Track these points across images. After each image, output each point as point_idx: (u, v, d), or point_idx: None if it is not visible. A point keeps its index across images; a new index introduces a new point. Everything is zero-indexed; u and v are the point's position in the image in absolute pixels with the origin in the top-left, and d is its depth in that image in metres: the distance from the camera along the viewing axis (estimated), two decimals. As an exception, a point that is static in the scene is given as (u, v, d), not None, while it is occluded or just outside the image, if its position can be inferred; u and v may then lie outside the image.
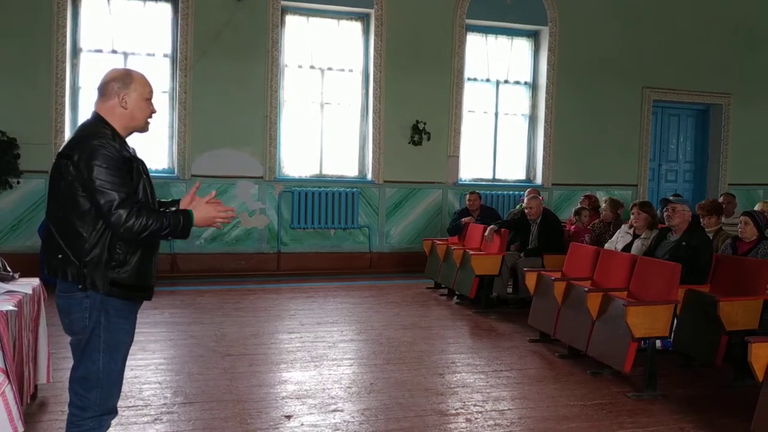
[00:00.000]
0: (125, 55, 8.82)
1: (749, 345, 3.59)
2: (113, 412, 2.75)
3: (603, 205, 7.65)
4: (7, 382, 2.94)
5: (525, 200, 7.77)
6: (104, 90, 2.68)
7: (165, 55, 8.96)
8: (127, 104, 2.67)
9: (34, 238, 7.98)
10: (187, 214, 2.65)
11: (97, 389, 2.65)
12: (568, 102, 10.45)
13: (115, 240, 2.57)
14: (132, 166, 2.61)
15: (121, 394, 2.89)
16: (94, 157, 2.50)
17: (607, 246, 6.53)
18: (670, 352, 5.23)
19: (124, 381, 2.89)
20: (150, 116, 2.77)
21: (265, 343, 5.73)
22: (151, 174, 2.78)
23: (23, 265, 4.91)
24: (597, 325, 5.02)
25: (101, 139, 2.56)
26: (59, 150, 2.63)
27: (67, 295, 2.61)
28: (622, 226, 6.77)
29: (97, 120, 2.66)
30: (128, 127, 2.72)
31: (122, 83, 2.67)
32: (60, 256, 2.57)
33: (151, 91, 2.75)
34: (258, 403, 4.26)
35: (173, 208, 2.81)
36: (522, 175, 10.72)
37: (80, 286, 2.56)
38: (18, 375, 3.48)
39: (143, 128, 2.77)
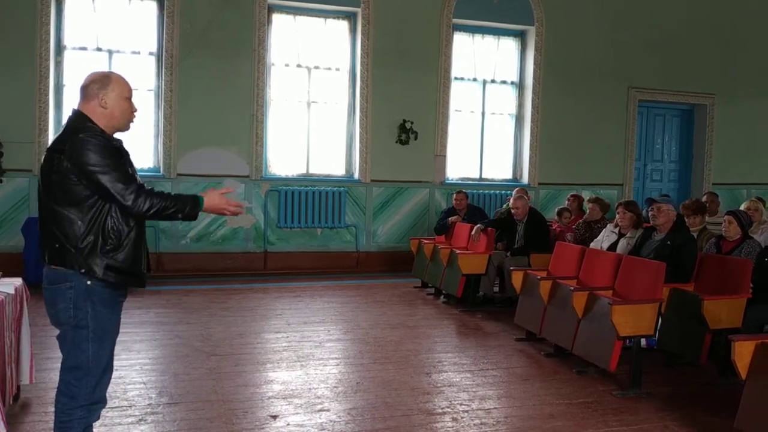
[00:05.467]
0: (110, 53, 8.74)
1: (733, 343, 3.63)
2: (103, 401, 2.86)
3: (588, 206, 7.66)
4: (-11, 383, 2.91)
5: (511, 200, 7.79)
6: (85, 92, 2.82)
7: (150, 53, 8.90)
8: (107, 104, 2.81)
9: (18, 237, 7.89)
10: (196, 198, 2.81)
11: (88, 377, 2.75)
12: (555, 102, 10.49)
13: (108, 226, 2.70)
14: (122, 153, 2.77)
15: (105, 394, 2.89)
16: (87, 147, 2.64)
17: (592, 245, 6.56)
18: (654, 351, 5.27)
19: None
20: (131, 115, 2.89)
21: (252, 343, 5.70)
22: (137, 173, 2.90)
23: (6, 265, 4.87)
24: (582, 323, 5.05)
25: (90, 131, 2.70)
26: (48, 146, 2.79)
27: (52, 286, 2.73)
28: (608, 225, 6.81)
29: (82, 116, 2.79)
30: (110, 126, 2.83)
31: (101, 84, 2.81)
32: (57, 245, 2.70)
33: (130, 90, 2.89)
34: (244, 403, 4.24)
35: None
36: (508, 175, 10.75)
37: (82, 270, 2.68)
38: (0, 376, 3.45)
39: (125, 127, 2.90)
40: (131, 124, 2.93)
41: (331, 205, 9.47)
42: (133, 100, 2.92)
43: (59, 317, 2.74)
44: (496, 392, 4.61)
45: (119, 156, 2.73)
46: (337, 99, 9.75)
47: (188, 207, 2.77)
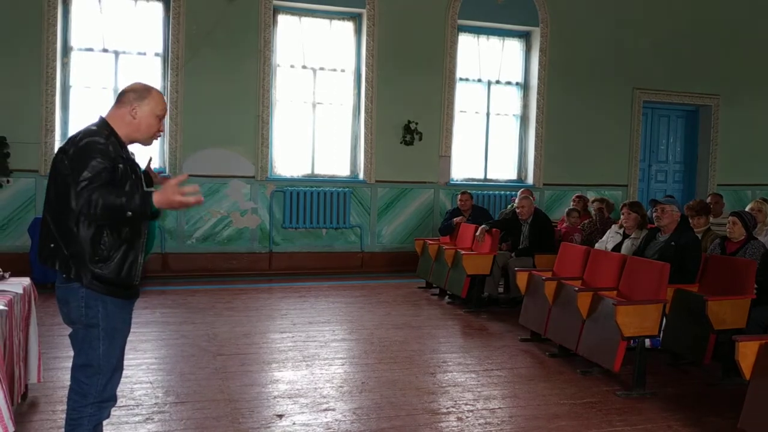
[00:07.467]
0: (116, 54, 8.78)
1: (736, 344, 3.63)
2: (113, 399, 2.88)
3: (592, 208, 7.66)
4: (-2, 381, 2.94)
5: (516, 200, 7.80)
6: (121, 98, 2.87)
7: (156, 54, 8.94)
8: (137, 115, 2.83)
9: (24, 237, 7.94)
10: (147, 193, 2.64)
11: (98, 375, 2.78)
12: (559, 102, 10.50)
13: (100, 235, 2.67)
14: (120, 165, 2.72)
15: (115, 392, 2.92)
16: (89, 151, 2.63)
17: (597, 246, 6.57)
18: (659, 351, 5.27)
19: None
20: (157, 133, 2.91)
21: (257, 343, 5.73)
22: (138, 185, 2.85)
23: (13, 265, 4.90)
24: (587, 324, 5.06)
25: (97, 136, 2.70)
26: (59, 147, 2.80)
27: (64, 285, 2.75)
28: (612, 226, 6.82)
29: (100, 122, 2.82)
30: (130, 136, 2.86)
31: (138, 95, 2.85)
32: (52, 245, 2.72)
33: (163, 110, 2.91)
34: (250, 402, 4.26)
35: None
36: (513, 175, 10.76)
37: (64, 276, 2.70)
38: (8, 375, 3.48)
39: (145, 142, 2.90)
40: (152, 142, 2.93)
41: (335, 205, 9.50)
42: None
43: (71, 315, 2.76)
44: (501, 392, 4.63)
45: (114, 168, 2.66)
46: (342, 100, 9.78)
47: (137, 201, 2.55)
